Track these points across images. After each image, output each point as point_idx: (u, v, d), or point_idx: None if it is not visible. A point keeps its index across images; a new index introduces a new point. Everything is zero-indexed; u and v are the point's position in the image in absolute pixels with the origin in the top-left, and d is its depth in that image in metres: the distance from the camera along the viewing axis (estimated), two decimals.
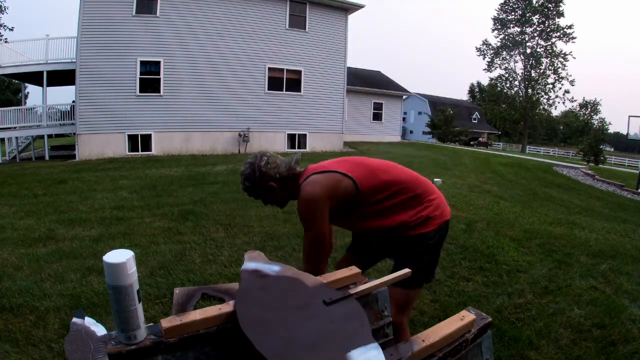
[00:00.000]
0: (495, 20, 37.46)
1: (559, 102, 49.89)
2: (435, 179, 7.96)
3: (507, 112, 38.29)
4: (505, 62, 37.83)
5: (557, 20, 35.45)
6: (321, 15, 15.44)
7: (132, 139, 12.81)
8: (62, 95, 19.43)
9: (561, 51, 35.77)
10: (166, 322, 0.76)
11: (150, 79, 12.77)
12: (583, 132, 50.65)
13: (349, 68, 16.39)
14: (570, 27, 35.12)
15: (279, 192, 1.57)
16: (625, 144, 53.35)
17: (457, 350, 0.86)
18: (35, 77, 13.56)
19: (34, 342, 2.03)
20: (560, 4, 34.95)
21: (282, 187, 1.56)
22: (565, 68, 37.21)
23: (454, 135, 33.08)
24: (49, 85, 13.23)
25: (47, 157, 13.18)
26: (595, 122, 52.02)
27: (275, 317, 0.83)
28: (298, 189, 1.50)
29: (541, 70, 36.50)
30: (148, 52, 12.56)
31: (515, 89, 38.12)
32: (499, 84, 38.83)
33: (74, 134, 12.62)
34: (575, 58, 42.64)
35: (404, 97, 26.68)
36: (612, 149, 57.84)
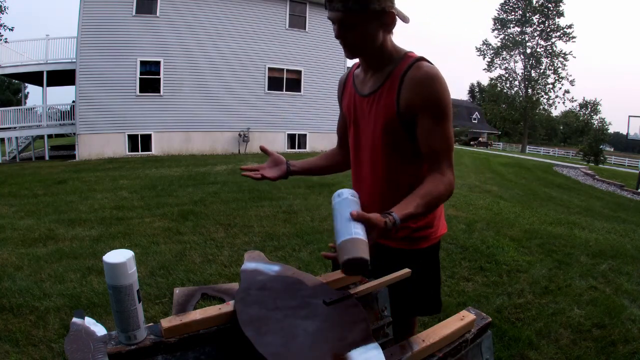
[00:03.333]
0: (496, 20, 37.52)
1: (559, 102, 50.06)
2: None
3: (507, 112, 38.34)
4: (505, 62, 37.94)
5: (557, 20, 35.52)
6: (321, 15, 15.43)
7: (132, 139, 12.82)
8: (62, 95, 19.51)
9: (561, 51, 35.86)
10: (166, 322, 0.76)
11: (150, 79, 12.78)
12: (583, 132, 50.67)
13: (348, 68, 16.39)
14: (570, 26, 35.20)
15: (381, 30, 1.04)
16: (625, 144, 53.33)
17: (457, 350, 0.86)
18: (35, 77, 13.58)
19: (34, 342, 2.03)
20: (560, 4, 35.01)
21: (386, 28, 1.05)
22: (565, 68, 37.39)
23: (454, 135, 33.05)
24: (49, 85, 13.25)
25: (47, 157, 13.19)
26: (595, 122, 52.06)
27: (275, 317, 0.83)
28: (404, 57, 1.09)
29: (541, 70, 36.57)
30: (148, 52, 12.57)
31: (515, 89, 38.20)
32: (499, 84, 38.87)
33: (74, 134, 12.63)
34: (575, 57, 42.77)
35: None
36: (612, 149, 57.88)
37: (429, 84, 1.02)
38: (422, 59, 1.08)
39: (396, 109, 1.07)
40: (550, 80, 36.50)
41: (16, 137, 13.80)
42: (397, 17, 1.05)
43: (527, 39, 36.47)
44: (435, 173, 1.04)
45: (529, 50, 36.55)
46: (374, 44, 1.06)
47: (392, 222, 0.90)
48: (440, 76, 1.03)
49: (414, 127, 1.07)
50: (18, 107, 14.01)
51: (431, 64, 1.07)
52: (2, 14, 15.19)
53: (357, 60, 1.25)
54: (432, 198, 1.00)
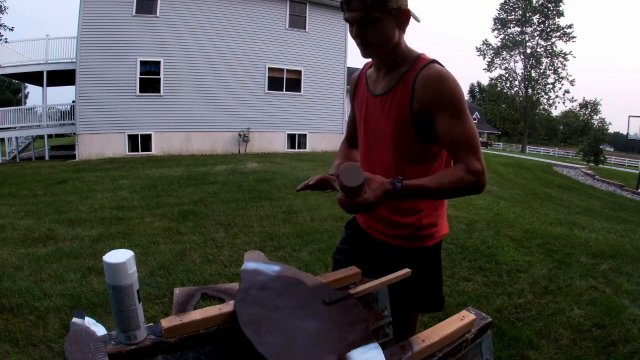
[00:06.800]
0: (496, 20, 37.53)
1: (559, 102, 50.23)
2: None
3: (507, 112, 38.34)
4: (505, 62, 37.94)
5: (557, 20, 35.53)
6: (321, 15, 15.44)
7: (132, 139, 12.82)
8: (62, 95, 19.51)
9: (561, 51, 35.87)
10: (166, 322, 0.76)
11: (150, 79, 12.77)
12: (583, 132, 50.66)
13: (349, 68, 16.40)
14: (570, 26, 35.21)
15: (397, 28, 1.06)
16: (625, 144, 53.42)
17: (457, 350, 0.86)
18: (35, 77, 13.57)
19: (34, 342, 2.03)
20: (560, 4, 35.02)
21: (401, 27, 1.07)
22: (565, 68, 37.37)
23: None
24: (49, 85, 13.24)
25: (47, 157, 13.18)
26: (595, 122, 52.03)
27: (275, 317, 0.83)
28: (417, 59, 1.10)
29: (541, 70, 36.57)
30: (148, 52, 12.57)
31: (515, 89, 38.21)
32: (499, 84, 38.89)
33: (74, 134, 12.63)
34: (575, 57, 42.88)
35: None
36: (612, 149, 57.90)
37: (441, 82, 1.04)
38: (434, 61, 1.09)
39: (409, 109, 1.08)
40: (550, 80, 36.56)
41: (16, 137, 13.79)
42: (411, 16, 1.08)
43: (527, 39, 36.49)
44: (459, 164, 1.03)
45: (529, 50, 36.56)
46: (390, 43, 1.07)
47: (394, 183, 0.94)
48: (452, 76, 1.05)
49: (427, 127, 1.08)
50: (18, 107, 14.00)
51: (443, 66, 1.09)
52: (2, 14, 15.20)
53: (368, 60, 1.26)
54: (449, 181, 0.99)
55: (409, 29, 1.11)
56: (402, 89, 1.09)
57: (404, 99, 1.09)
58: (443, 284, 1.36)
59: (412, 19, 1.09)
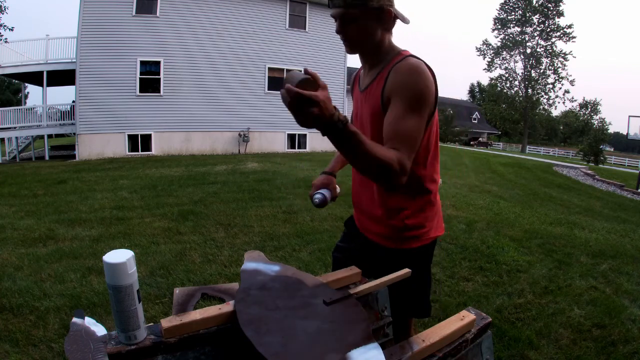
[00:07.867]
0: (496, 20, 37.52)
1: (559, 102, 50.16)
2: None
3: (507, 112, 38.33)
4: (505, 62, 37.92)
5: (557, 20, 35.52)
6: (321, 15, 15.44)
7: (132, 139, 12.81)
8: (62, 95, 19.51)
9: (561, 51, 35.85)
10: (166, 322, 0.76)
11: (150, 79, 12.77)
12: (583, 132, 50.64)
13: (349, 68, 16.40)
14: (570, 26, 35.19)
15: (380, 27, 1.08)
16: (625, 144, 53.40)
17: (457, 350, 0.86)
18: (35, 77, 13.57)
19: (34, 342, 2.03)
20: (560, 4, 35.00)
21: (384, 26, 1.09)
22: (565, 68, 37.34)
23: (454, 135, 33.21)
24: (49, 85, 13.24)
25: (47, 157, 13.18)
26: (595, 122, 52.02)
27: (275, 317, 0.83)
28: (396, 55, 1.11)
29: (541, 70, 36.55)
30: (148, 52, 12.57)
31: (515, 89, 38.18)
32: (499, 84, 38.87)
33: (74, 134, 12.63)
34: (575, 57, 42.88)
35: None
36: (612, 149, 57.87)
37: (407, 73, 1.03)
38: (412, 56, 1.10)
39: (380, 102, 1.09)
40: (550, 80, 36.53)
41: (16, 137, 13.79)
42: (395, 16, 1.09)
43: (527, 39, 36.47)
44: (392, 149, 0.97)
45: (529, 50, 36.54)
46: (372, 40, 1.10)
47: (338, 116, 0.86)
48: (423, 69, 1.03)
49: None
50: (18, 107, 14.00)
51: (421, 60, 1.07)
52: (2, 14, 15.19)
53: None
54: (381, 154, 0.90)
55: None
56: (378, 82, 1.11)
57: (377, 91, 1.10)
58: (431, 288, 1.33)
59: (399, 20, 1.10)
